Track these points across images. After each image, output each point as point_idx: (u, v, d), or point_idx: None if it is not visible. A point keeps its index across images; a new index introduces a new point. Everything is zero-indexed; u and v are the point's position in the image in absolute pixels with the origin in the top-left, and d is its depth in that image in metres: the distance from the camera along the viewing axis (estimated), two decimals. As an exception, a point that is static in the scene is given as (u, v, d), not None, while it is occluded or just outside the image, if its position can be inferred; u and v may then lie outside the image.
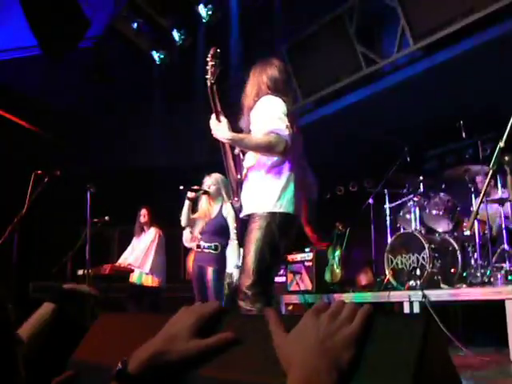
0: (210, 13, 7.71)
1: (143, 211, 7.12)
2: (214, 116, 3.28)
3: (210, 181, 5.53)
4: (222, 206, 5.50)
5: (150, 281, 6.79)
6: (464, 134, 5.93)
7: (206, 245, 5.40)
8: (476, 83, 6.49)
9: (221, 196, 5.52)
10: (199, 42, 8.23)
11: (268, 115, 3.28)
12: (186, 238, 6.79)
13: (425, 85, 6.76)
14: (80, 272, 6.53)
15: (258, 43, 8.15)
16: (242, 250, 3.84)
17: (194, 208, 5.64)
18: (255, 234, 3.22)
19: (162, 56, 8.54)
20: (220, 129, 3.23)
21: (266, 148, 3.23)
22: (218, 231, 5.41)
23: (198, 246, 5.46)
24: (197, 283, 5.48)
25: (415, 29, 6.31)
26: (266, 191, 3.29)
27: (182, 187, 5.38)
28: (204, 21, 7.82)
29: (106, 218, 6.22)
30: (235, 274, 5.20)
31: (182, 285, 8.04)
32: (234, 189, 3.54)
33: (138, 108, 9.01)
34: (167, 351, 0.95)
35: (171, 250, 7.50)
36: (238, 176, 3.50)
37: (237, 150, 3.52)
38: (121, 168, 9.22)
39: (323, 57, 7.49)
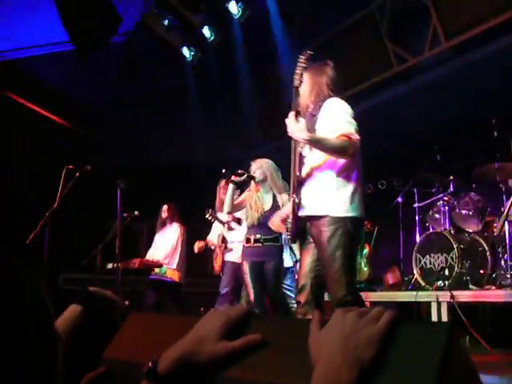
0: (241, 10, 7.71)
1: (164, 207, 7.22)
2: (292, 115, 3.30)
3: (255, 166, 5.33)
4: (275, 196, 5.28)
5: (171, 274, 6.87)
6: (496, 133, 5.86)
7: (266, 237, 5.11)
8: (509, 82, 6.40)
9: (267, 182, 5.29)
10: (232, 39, 8.23)
11: (339, 118, 3.34)
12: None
13: (456, 83, 6.68)
14: (110, 265, 6.61)
15: (287, 40, 8.14)
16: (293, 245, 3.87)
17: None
18: (334, 241, 3.28)
19: (193, 53, 8.57)
20: (298, 128, 3.24)
21: (339, 151, 3.30)
22: None
23: (257, 241, 5.14)
24: (254, 278, 5.12)
25: (447, 27, 6.24)
26: (339, 195, 3.35)
27: (224, 170, 5.20)
28: (236, 18, 7.82)
29: (136, 212, 6.29)
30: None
31: (208, 280, 8.11)
32: (294, 186, 3.52)
33: (168, 104, 9.06)
34: (196, 352, 0.98)
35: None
36: (298, 173, 3.52)
37: (299, 149, 3.54)
38: (150, 163, 9.30)
39: (354, 54, 7.45)
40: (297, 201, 3.47)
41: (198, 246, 6.09)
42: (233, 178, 5.16)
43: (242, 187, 5.53)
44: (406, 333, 0.84)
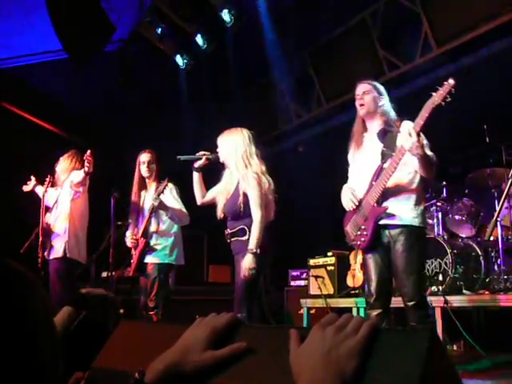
0: (233, 18, 7.71)
1: None
2: (414, 132, 3.46)
3: (218, 142, 4.45)
4: (239, 180, 4.23)
5: None
6: (488, 139, 5.88)
7: (230, 231, 4.22)
8: (500, 88, 6.43)
9: (231, 161, 4.29)
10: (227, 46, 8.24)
11: (426, 141, 3.65)
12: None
13: (448, 89, 6.71)
14: (104, 274, 6.60)
15: (280, 46, 8.17)
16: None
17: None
18: (414, 248, 3.66)
19: (186, 60, 8.58)
20: (420, 144, 3.45)
21: (434, 171, 3.68)
22: (238, 213, 4.14)
23: (228, 236, 4.25)
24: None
25: (438, 33, 6.29)
26: (417, 209, 3.72)
27: (179, 157, 4.51)
28: (228, 26, 7.83)
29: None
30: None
31: (203, 288, 8.09)
32: (378, 195, 3.71)
33: (162, 112, 9.06)
34: (182, 362, 0.99)
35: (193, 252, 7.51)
36: (384, 186, 3.71)
37: (382, 162, 3.78)
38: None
39: (346, 61, 7.49)
40: (381, 210, 3.70)
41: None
42: (194, 164, 4.53)
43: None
44: (388, 340, 0.85)
